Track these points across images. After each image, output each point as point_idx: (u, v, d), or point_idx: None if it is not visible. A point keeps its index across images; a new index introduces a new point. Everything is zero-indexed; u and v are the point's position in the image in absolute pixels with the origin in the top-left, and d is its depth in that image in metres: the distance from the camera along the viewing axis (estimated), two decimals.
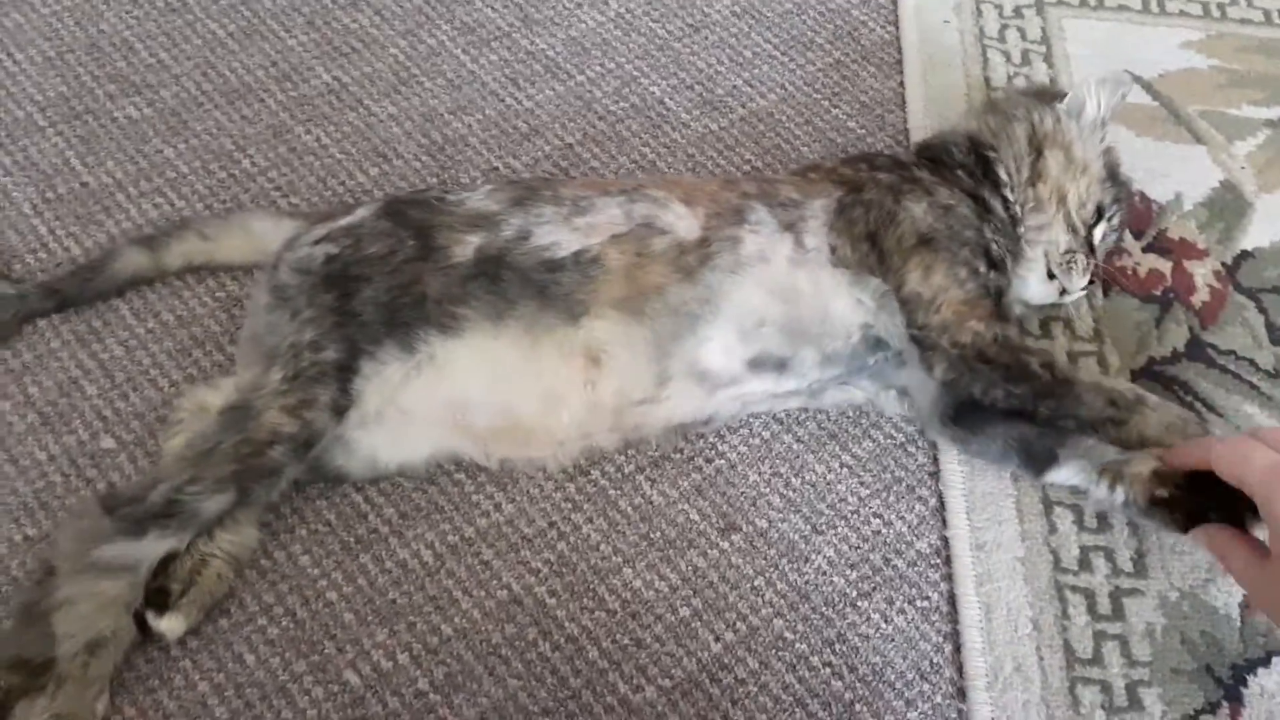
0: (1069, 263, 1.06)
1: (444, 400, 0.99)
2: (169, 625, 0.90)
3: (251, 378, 0.96)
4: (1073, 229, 1.06)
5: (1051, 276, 1.07)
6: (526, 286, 0.99)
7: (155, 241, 1.10)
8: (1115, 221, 1.09)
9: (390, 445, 0.99)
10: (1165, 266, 1.18)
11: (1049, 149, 1.08)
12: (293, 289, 0.99)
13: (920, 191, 1.05)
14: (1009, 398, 0.99)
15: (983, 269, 1.02)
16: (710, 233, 1.01)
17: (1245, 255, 1.19)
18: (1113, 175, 1.09)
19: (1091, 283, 1.08)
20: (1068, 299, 1.08)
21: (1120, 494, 0.95)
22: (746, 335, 1.00)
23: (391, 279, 0.98)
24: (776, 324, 1.00)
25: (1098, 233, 1.08)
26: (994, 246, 1.04)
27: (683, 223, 1.02)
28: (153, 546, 0.89)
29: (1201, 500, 0.91)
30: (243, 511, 0.94)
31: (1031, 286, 1.08)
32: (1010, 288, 1.07)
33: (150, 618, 0.90)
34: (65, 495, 0.99)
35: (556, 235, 1.00)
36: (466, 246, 1.00)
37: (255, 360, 0.98)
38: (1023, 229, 1.08)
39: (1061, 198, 1.07)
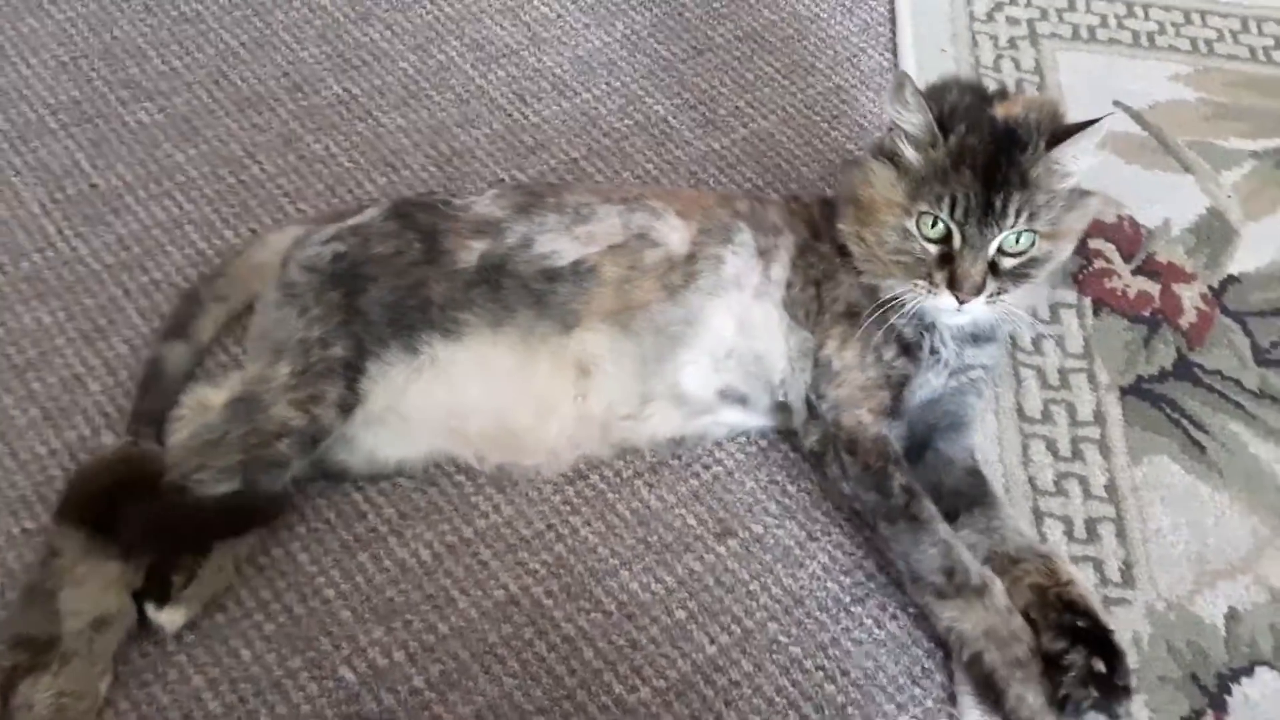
0: (914, 291, 0.97)
1: (442, 403, 1.00)
2: (169, 617, 0.90)
3: (257, 371, 0.98)
4: (898, 265, 0.97)
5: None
6: (525, 295, 1.01)
7: (183, 328, 1.06)
8: (952, 212, 0.93)
9: (390, 444, 1.01)
10: (1154, 289, 1.21)
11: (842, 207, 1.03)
12: (301, 286, 1.01)
13: None
14: (854, 498, 0.99)
15: (889, 355, 1.00)
16: (698, 249, 1.03)
17: (1231, 280, 1.22)
18: (943, 176, 0.94)
19: (998, 293, 0.96)
20: (962, 316, 0.98)
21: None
22: (718, 364, 1.03)
23: (397, 280, 1.00)
24: (738, 356, 1.03)
25: (990, 245, 0.94)
26: (906, 331, 0.99)
27: (675, 235, 1.04)
28: None
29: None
30: None
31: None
32: (921, 366, 1.01)
33: (150, 610, 0.90)
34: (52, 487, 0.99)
35: (557, 244, 1.03)
36: (471, 252, 1.02)
37: (261, 354, 1.00)
38: None
39: (861, 245, 1.00)
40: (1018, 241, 0.94)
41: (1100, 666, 0.89)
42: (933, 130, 0.94)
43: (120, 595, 0.89)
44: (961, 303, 0.95)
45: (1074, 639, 0.90)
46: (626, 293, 1.02)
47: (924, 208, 0.94)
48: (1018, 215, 0.93)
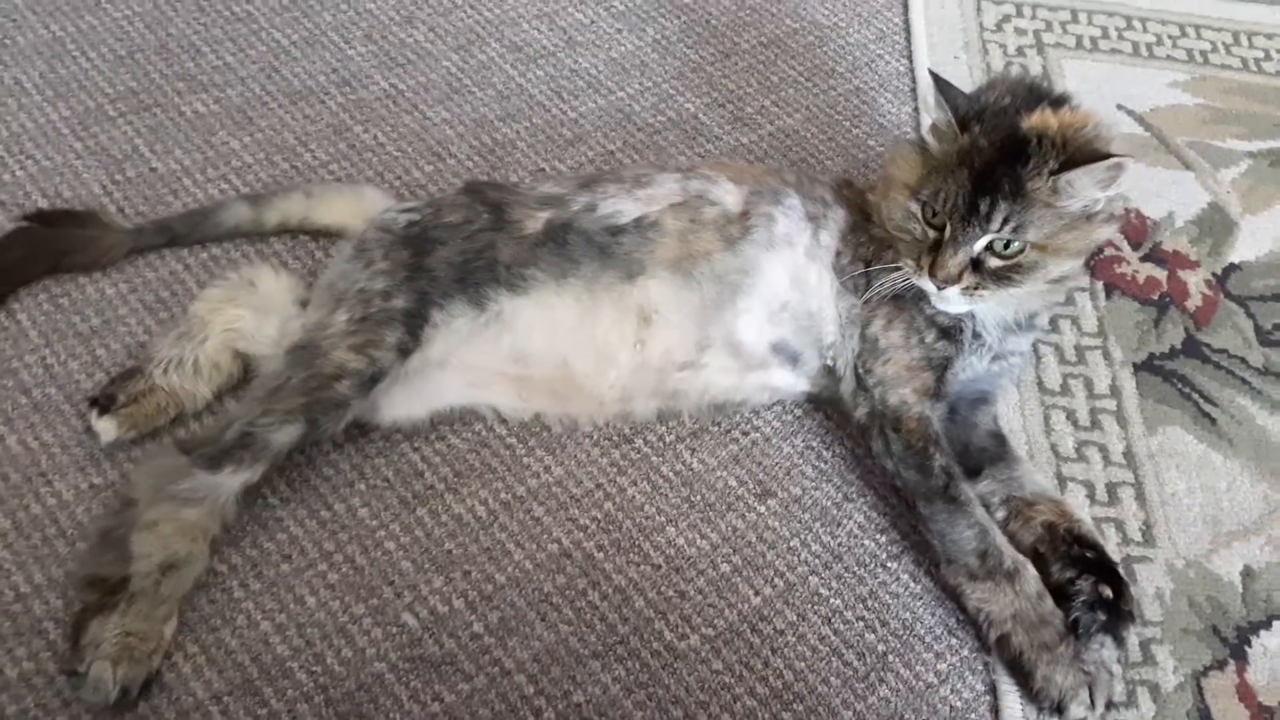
0: (904, 269, 1.03)
1: (506, 352, 1.06)
2: (104, 426, 1.01)
3: (317, 318, 1.03)
4: (900, 242, 1.04)
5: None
6: (590, 248, 1.07)
7: (261, 199, 1.19)
8: (943, 206, 0.98)
9: (434, 392, 1.06)
10: (1161, 274, 1.28)
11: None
12: (372, 242, 1.07)
13: None
14: (895, 475, 1.03)
15: (930, 338, 1.05)
16: (750, 207, 1.09)
17: (1233, 268, 1.29)
18: (947, 171, 0.99)
19: (972, 288, 1.00)
20: (944, 302, 1.02)
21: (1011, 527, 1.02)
22: (773, 316, 1.08)
23: (466, 244, 1.06)
24: (792, 310, 1.08)
25: (974, 243, 0.98)
26: (939, 316, 1.05)
27: (729, 196, 1.10)
28: (229, 479, 0.94)
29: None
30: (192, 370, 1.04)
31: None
32: (963, 349, 1.06)
33: (92, 417, 1.01)
34: (132, 448, 1.03)
35: (620, 205, 1.09)
36: (537, 220, 1.08)
37: (323, 303, 1.05)
38: None
39: (878, 215, 1.07)
40: (1006, 247, 0.98)
41: (1107, 592, 0.94)
42: (952, 126, 0.99)
43: (193, 541, 0.92)
44: (939, 289, 1.00)
45: (1083, 568, 0.96)
46: (688, 243, 1.07)
47: (925, 196, 1.00)
48: (1004, 223, 0.96)
